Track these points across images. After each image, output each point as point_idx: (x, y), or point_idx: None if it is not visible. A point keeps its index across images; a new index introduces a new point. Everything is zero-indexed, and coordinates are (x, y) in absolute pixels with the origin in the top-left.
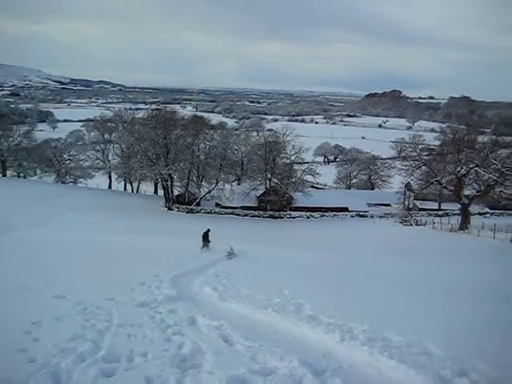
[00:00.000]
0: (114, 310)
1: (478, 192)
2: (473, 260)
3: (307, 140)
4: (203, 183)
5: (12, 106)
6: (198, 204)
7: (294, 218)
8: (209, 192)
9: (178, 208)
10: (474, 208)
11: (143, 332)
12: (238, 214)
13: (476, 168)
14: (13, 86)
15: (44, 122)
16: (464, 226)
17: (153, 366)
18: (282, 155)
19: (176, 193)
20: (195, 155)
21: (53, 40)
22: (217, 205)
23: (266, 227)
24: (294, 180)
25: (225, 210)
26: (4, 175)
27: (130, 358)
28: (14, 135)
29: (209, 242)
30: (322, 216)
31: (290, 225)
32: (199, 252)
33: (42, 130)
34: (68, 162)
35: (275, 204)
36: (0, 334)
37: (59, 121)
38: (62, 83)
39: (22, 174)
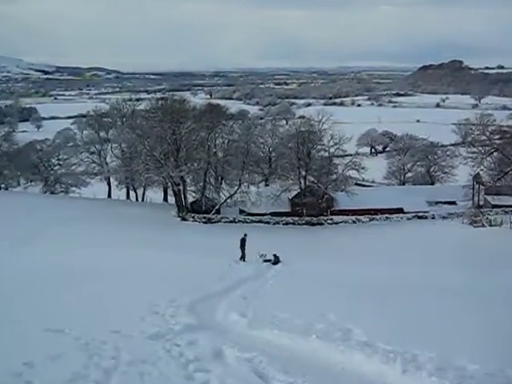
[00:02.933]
0: (122, 344)
1: None
2: None
3: (349, 127)
4: (223, 186)
5: None
6: (218, 212)
7: (336, 223)
8: (230, 197)
9: (193, 217)
10: None
11: (158, 370)
12: (268, 222)
13: None
14: None
15: (27, 120)
16: None
17: None
18: (319, 147)
19: (190, 199)
20: (212, 153)
21: (32, 22)
22: (241, 212)
23: (303, 236)
24: (334, 177)
25: (251, 217)
26: None
27: None
28: None
29: (244, 252)
30: (372, 220)
31: (331, 232)
32: (234, 264)
33: (24, 131)
34: (57, 167)
35: (313, 207)
36: None
37: (44, 118)
38: (46, 73)
39: (2, 185)
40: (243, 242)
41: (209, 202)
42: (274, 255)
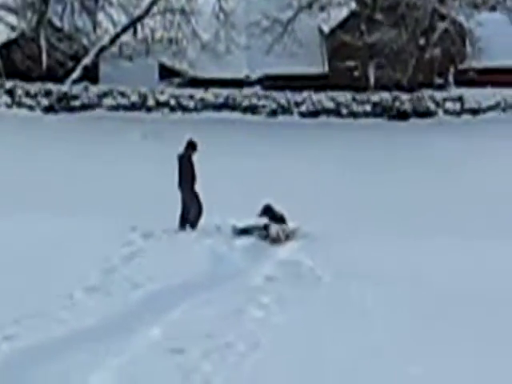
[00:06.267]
0: None
1: None
2: None
3: None
4: None
5: None
6: (91, 75)
7: (477, 112)
8: (132, 26)
9: (10, 94)
10: None
11: None
12: (255, 111)
13: None
14: None
15: None
16: None
17: None
18: None
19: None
20: None
21: None
22: (165, 74)
23: (369, 155)
24: None
25: (199, 94)
26: None
27: None
28: None
29: (195, 197)
30: None
31: (462, 140)
32: (141, 241)
33: None
34: None
35: (400, 61)
36: None
37: None
38: None
39: None
40: (188, 162)
41: (62, 42)
42: (267, 212)
